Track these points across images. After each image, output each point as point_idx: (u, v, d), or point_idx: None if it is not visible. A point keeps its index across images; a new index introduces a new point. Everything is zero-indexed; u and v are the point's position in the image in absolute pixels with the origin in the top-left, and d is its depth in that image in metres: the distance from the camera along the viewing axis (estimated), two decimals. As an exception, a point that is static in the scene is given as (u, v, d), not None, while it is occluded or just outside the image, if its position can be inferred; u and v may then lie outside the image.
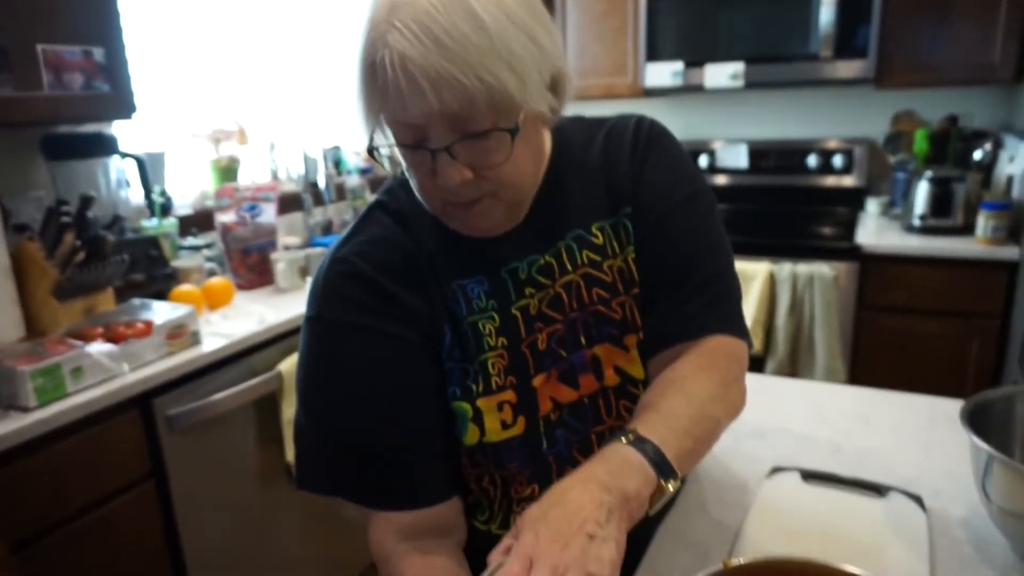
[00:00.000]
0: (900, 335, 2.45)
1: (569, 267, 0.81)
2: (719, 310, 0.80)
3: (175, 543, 1.61)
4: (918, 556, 0.81)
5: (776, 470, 1.01)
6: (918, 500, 0.92)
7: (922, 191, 2.46)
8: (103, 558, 1.45)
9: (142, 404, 1.51)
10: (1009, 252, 2.25)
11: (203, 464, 1.67)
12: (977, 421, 0.83)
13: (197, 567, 1.65)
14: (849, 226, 2.66)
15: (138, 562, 1.53)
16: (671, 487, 0.63)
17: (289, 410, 1.83)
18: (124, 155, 2.01)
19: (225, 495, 1.73)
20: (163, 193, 2.17)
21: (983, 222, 2.29)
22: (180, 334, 1.61)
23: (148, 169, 2.09)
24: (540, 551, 0.53)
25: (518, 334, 0.80)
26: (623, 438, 0.65)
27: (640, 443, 0.64)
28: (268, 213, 2.29)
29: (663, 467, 0.63)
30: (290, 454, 1.86)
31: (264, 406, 1.81)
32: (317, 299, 0.78)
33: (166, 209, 2.16)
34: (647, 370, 0.82)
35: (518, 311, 0.80)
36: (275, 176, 2.68)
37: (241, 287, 2.16)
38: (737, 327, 0.81)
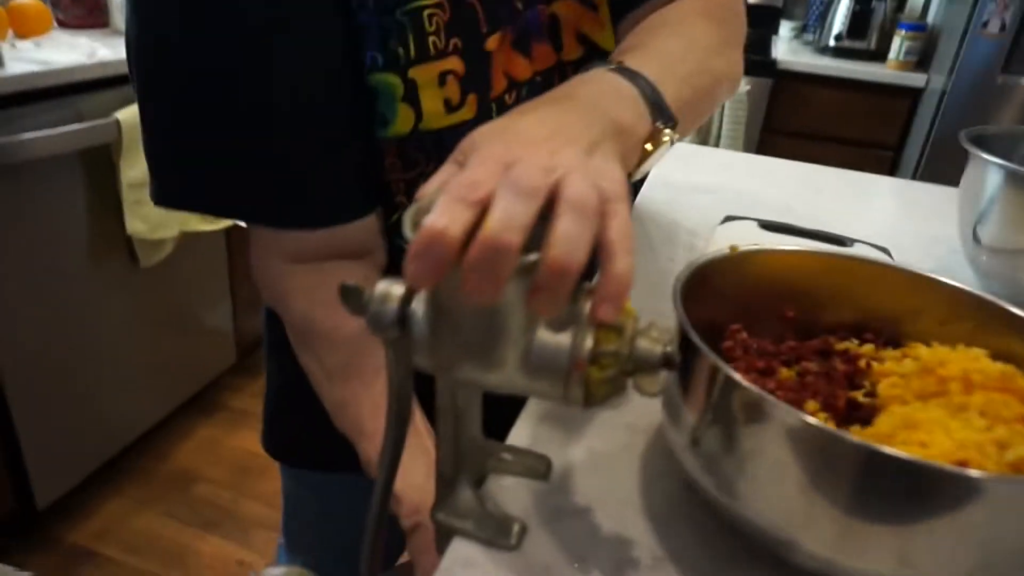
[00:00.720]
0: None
1: None
2: None
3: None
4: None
5: (729, 218, 0.87)
6: (884, 251, 0.82)
7: (842, 9, 2.35)
8: None
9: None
10: (916, 79, 2.22)
11: (13, 224, 1.34)
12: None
13: (9, 365, 1.38)
14: (763, 44, 2.53)
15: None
16: (667, 137, 0.46)
17: (130, 171, 1.50)
18: None
19: (43, 270, 1.43)
20: None
21: (898, 43, 2.22)
22: (-27, 49, 1.24)
23: None
24: (518, 154, 0.34)
25: None
26: (605, 66, 0.47)
27: (630, 75, 0.46)
28: (99, -63, 1.82)
29: (660, 108, 0.46)
30: (132, 225, 1.55)
31: (96, 162, 1.48)
32: None
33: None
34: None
35: None
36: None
37: (64, 24, 1.73)
38: None
